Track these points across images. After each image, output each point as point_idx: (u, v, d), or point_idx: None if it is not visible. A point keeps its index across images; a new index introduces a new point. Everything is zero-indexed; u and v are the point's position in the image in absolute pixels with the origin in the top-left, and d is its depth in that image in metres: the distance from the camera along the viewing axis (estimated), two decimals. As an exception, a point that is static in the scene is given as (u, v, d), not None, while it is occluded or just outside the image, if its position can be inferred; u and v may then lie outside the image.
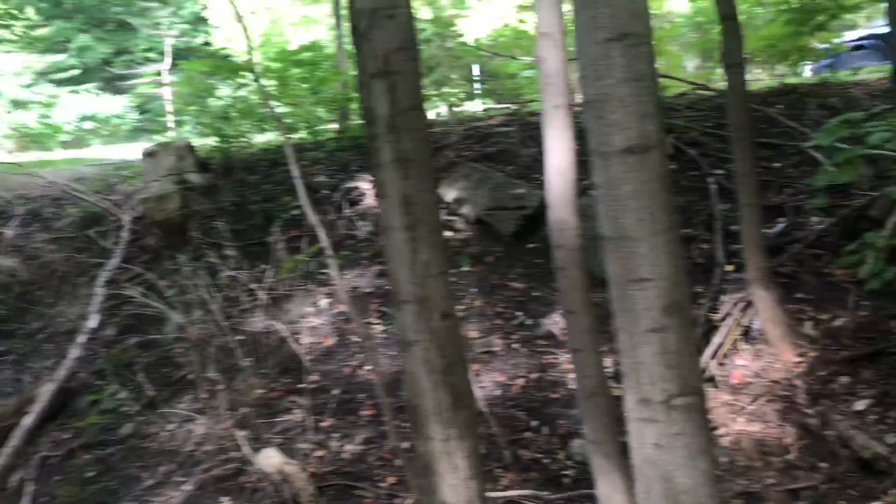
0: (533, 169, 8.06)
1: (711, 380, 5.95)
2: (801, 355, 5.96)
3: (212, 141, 9.77)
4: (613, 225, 2.54)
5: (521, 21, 12.48)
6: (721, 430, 5.55)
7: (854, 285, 6.36)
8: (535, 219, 7.29)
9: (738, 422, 5.62)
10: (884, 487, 4.73)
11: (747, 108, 6.28)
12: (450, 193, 7.98)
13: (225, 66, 10.62)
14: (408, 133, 3.47)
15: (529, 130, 8.53)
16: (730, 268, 6.74)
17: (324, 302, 7.14)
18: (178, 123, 11.92)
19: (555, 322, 6.66)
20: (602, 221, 2.63)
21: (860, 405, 5.41)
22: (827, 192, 7.44)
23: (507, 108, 10.42)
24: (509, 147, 8.69)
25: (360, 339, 6.56)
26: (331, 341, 6.85)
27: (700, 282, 6.77)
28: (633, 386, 2.59)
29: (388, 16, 3.43)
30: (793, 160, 7.94)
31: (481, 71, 14.37)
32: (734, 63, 6.13)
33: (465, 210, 7.83)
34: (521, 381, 6.26)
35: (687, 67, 11.99)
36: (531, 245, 7.42)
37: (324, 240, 4.85)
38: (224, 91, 11.09)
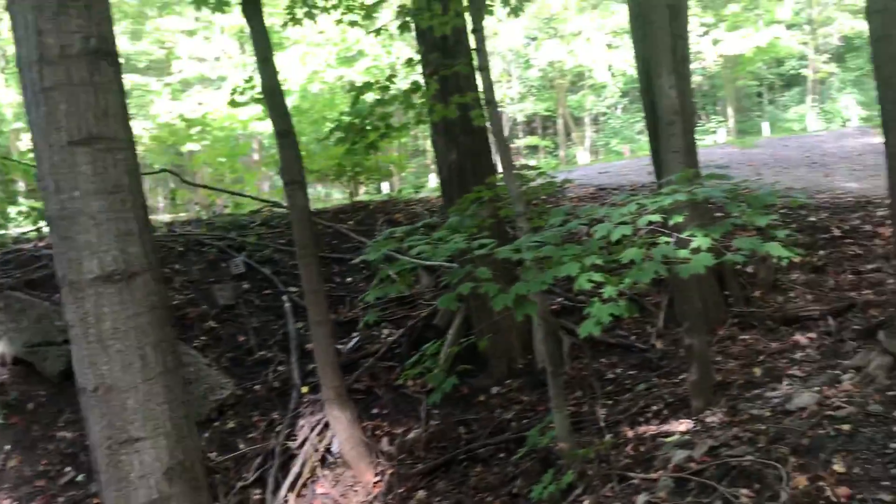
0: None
1: (291, 515, 5.52)
2: (379, 474, 5.83)
3: None
4: (93, 373, 1.99)
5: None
6: (303, 572, 5.10)
7: (425, 395, 6.49)
8: (90, 353, 6.32)
9: (321, 558, 5.23)
10: None
11: (311, 225, 6.20)
12: (-22, 330, 6.65)
13: None
14: None
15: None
16: (305, 389, 6.48)
17: None
18: None
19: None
20: (78, 369, 2.06)
21: (435, 519, 5.38)
22: (397, 304, 7.71)
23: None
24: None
25: None
26: None
27: (277, 407, 6.39)
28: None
29: None
30: (364, 274, 8.11)
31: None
32: (294, 180, 6.02)
33: (-1, 349, 6.56)
34: (68, 555, 5.19)
35: (263, 185, 11.99)
36: (86, 384, 6.42)
37: None
38: None
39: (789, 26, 27.83)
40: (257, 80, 6.09)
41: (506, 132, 31.55)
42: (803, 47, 29.44)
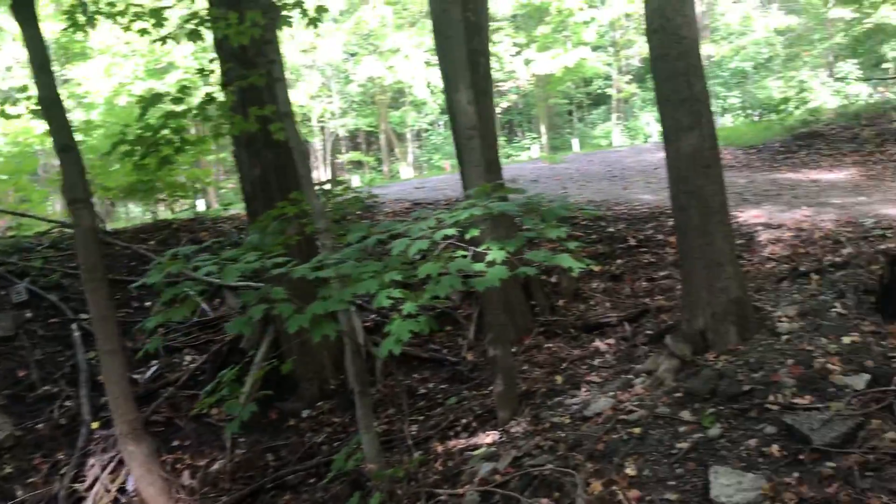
0: None
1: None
2: (181, 510, 5.44)
3: None
4: None
5: None
6: None
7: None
8: None
9: None
10: None
11: (99, 246, 5.71)
12: None
13: None
14: None
15: None
16: (96, 425, 5.95)
17: None
18: None
19: None
20: None
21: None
22: (200, 328, 7.31)
23: None
24: None
25: None
26: None
27: (63, 447, 5.83)
28: None
29: None
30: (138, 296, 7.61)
31: None
32: (78, 199, 5.52)
33: None
34: None
35: (58, 204, 11.08)
36: None
37: None
38: None
39: (595, 48, 29.45)
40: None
41: (328, 147, 31.27)
42: (608, 68, 31.28)
